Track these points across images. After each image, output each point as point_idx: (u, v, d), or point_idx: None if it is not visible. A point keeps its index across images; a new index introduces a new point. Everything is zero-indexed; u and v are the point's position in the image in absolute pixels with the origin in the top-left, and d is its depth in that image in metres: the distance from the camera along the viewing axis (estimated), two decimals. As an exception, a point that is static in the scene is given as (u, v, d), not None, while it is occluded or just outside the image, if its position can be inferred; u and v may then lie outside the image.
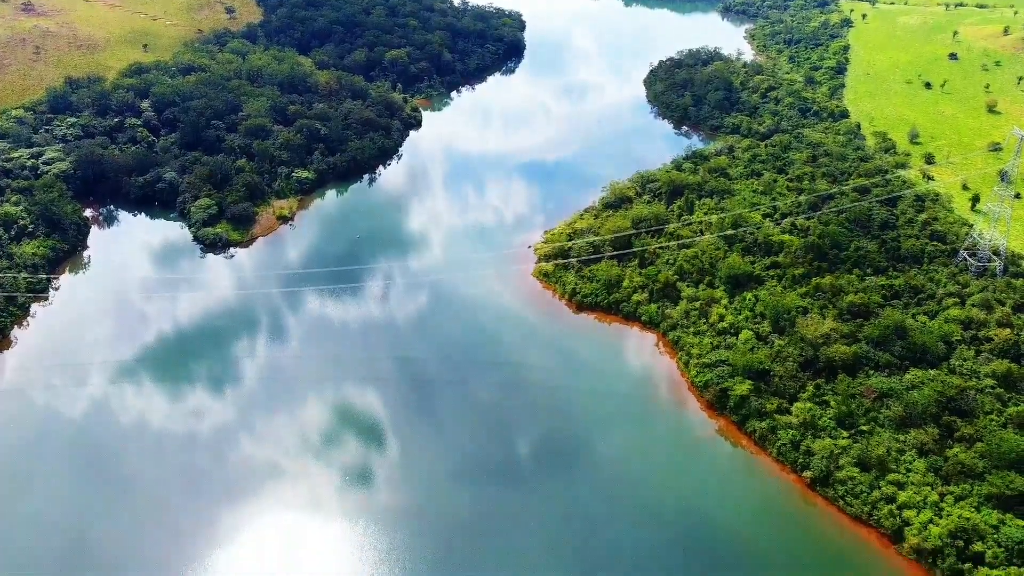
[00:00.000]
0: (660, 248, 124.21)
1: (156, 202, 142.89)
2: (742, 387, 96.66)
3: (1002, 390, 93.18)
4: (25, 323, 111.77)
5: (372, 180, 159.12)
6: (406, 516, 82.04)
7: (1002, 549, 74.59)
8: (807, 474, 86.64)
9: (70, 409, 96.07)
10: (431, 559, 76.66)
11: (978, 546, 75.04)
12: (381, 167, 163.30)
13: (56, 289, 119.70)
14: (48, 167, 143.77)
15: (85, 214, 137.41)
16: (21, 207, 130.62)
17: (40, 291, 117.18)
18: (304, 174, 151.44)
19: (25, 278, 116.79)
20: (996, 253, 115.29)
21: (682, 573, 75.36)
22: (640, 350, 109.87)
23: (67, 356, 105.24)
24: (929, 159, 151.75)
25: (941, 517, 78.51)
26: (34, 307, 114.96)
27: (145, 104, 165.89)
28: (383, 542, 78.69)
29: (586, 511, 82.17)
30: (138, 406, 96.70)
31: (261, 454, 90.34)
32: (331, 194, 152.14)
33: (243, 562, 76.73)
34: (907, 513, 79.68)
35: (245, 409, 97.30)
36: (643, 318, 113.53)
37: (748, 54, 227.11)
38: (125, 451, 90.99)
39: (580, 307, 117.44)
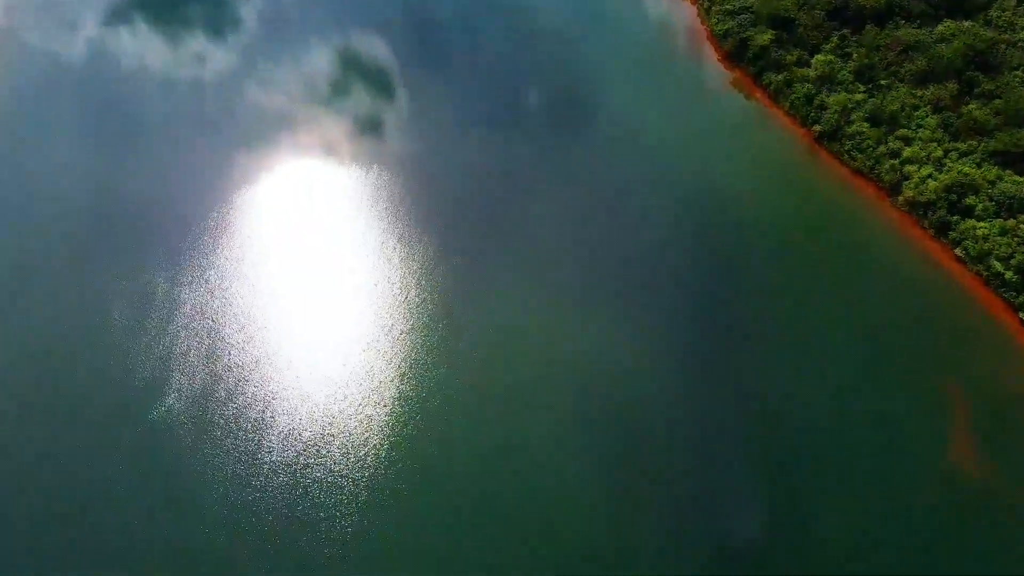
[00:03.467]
0: None
1: None
2: (763, 37, 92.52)
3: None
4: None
5: None
6: (418, 163, 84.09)
7: (993, 203, 77.09)
8: (816, 128, 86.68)
9: (68, 53, 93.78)
10: (442, 206, 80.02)
11: (970, 200, 77.38)
12: None
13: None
14: None
15: None
16: None
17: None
18: None
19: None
20: None
21: (689, 226, 78.49)
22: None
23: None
24: None
25: (941, 172, 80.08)
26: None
27: None
28: (396, 187, 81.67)
29: (594, 161, 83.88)
30: (138, 51, 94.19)
31: (270, 102, 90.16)
32: None
33: (262, 202, 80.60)
34: (908, 168, 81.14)
35: (249, 56, 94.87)
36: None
37: None
38: (131, 98, 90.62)
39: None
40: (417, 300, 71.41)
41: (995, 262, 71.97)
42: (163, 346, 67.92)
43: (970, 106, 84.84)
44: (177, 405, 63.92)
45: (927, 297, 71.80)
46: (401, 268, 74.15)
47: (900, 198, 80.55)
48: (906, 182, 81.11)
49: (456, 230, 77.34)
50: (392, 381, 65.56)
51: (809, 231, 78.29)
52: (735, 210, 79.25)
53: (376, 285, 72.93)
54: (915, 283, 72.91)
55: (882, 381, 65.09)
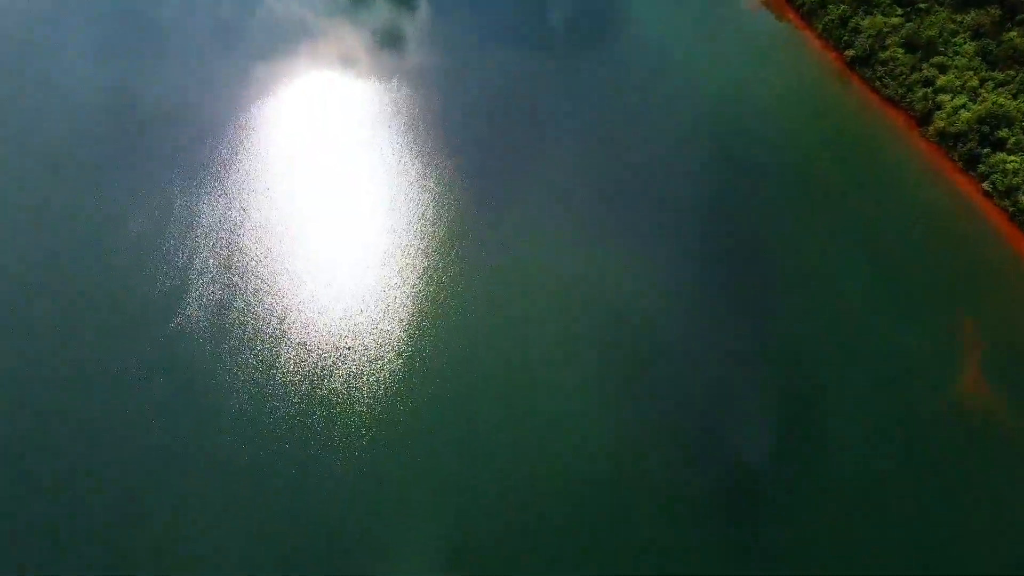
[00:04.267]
0: None
1: None
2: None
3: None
4: None
5: None
6: (439, 78, 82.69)
7: (1026, 136, 75.20)
8: (849, 52, 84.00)
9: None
10: (462, 123, 78.93)
11: (1003, 132, 75.25)
12: None
13: None
14: None
15: None
16: None
17: None
18: None
19: None
20: None
21: (712, 148, 77.25)
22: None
23: None
24: None
25: (975, 102, 77.72)
26: None
27: None
28: (416, 102, 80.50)
29: (618, 80, 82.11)
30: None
31: (290, 13, 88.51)
32: None
33: (281, 114, 79.87)
34: (941, 97, 78.79)
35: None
36: None
37: None
38: (150, 6, 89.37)
39: None
40: (433, 218, 71.30)
41: (1023, 197, 70.56)
42: (182, 257, 68.61)
43: (1011, 33, 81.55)
44: (197, 314, 64.93)
45: (950, 230, 70.82)
46: (418, 185, 73.80)
47: (930, 128, 78.45)
48: (938, 112, 78.88)
49: (475, 147, 76.60)
50: (408, 298, 66.11)
51: (835, 158, 76.85)
52: (760, 133, 77.67)
53: (393, 201, 72.81)
54: (939, 216, 71.83)
55: (898, 310, 64.84)
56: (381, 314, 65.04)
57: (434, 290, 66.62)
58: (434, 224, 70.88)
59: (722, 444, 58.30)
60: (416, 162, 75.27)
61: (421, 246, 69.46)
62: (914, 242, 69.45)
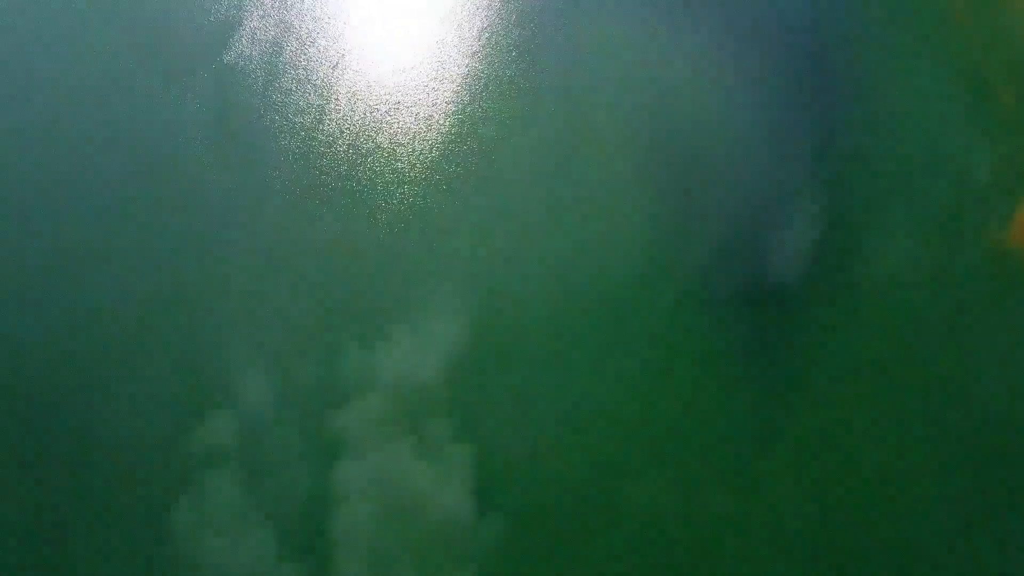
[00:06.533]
0: None
1: None
2: None
3: None
4: None
5: None
6: None
7: None
8: None
9: None
10: None
11: None
12: None
13: None
14: None
15: None
16: None
17: None
18: None
19: None
20: None
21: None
22: None
23: None
24: None
25: None
26: None
27: None
28: None
29: None
30: None
31: None
32: None
33: None
34: None
35: None
36: None
37: None
38: None
39: None
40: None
41: None
42: (238, -13, 66.47)
43: None
44: (249, 50, 63.92)
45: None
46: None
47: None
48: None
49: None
50: (463, 57, 63.84)
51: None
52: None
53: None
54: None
55: (972, 122, 60.34)
56: (433, 74, 63.26)
57: (488, 52, 64.05)
58: (498, -17, 66.60)
59: (760, 245, 57.46)
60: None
61: (482, 2, 65.91)
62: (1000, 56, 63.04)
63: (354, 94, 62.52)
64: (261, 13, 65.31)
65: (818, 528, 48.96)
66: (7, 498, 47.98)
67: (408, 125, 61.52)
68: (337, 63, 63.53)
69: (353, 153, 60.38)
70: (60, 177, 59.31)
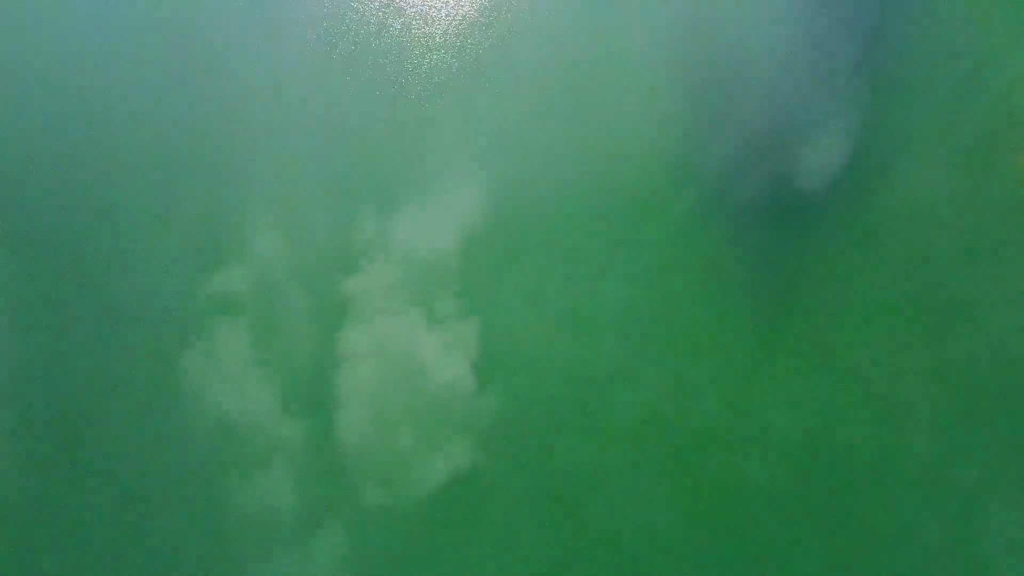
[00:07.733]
0: None
1: None
2: None
3: None
4: None
5: None
6: None
7: None
8: None
9: None
10: None
11: None
12: None
13: None
14: None
15: None
16: None
17: None
18: None
19: None
20: None
21: None
22: None
23: None
24: None
25: None
26: None
27: None
28: None
29: None
30: None
31: None
32: None
33: None
34: None
35: None
36: None
37: None
38: None
39: None
40: None
41: None
42: None
43: None
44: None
45: None
46: None
47: None
48: None
49: None
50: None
51: None
52: None
53: None
54: None
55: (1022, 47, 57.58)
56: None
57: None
58: None
59: (787, 158, 56.21)
60: None
61: None
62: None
63: (388, -9, 60.71)
64: None
65: (808, 442, 49.87)
66: (29, 342, 50.45)
67: (439, 37, 58.90)
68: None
69: (383, 15, 58.95)
70: (84, 36, 57.25)
